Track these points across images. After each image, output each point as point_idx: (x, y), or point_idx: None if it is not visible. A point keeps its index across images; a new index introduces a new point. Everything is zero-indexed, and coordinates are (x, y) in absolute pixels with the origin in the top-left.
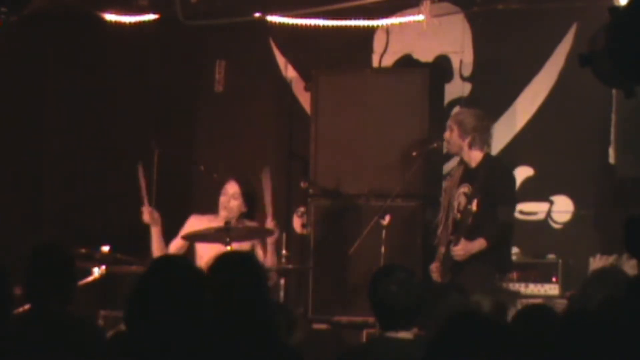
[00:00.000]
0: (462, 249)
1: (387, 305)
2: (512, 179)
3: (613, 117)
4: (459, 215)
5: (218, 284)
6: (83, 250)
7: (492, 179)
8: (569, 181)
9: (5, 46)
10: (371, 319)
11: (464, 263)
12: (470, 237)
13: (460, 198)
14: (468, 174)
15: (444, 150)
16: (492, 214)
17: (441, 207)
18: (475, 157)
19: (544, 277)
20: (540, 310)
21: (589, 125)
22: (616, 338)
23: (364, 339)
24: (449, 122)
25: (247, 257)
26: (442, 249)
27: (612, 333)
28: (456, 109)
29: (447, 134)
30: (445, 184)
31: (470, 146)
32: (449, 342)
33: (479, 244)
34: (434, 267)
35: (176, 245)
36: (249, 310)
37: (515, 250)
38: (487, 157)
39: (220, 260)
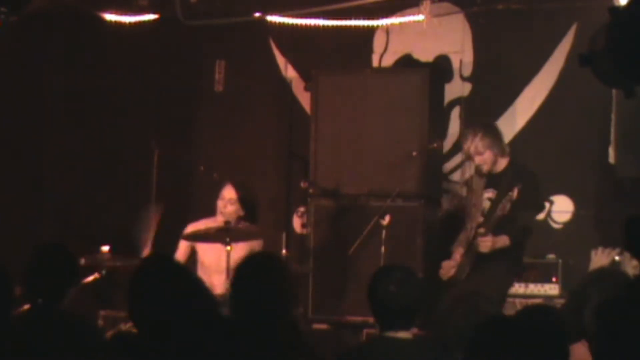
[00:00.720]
0: (490, 239)
1: (386, 305)
2: (538, 186)
3: (613, 117)
4: (481, 219)
5: (245, 286)
6: (83, 261)
7: (518, 185)
8: (569, 181)
9: (5, 46)
10: (371, 319)
11: (483, 262)
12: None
13: (485, 203)
14: (492, 179)
15: (443, 150)
16: (514, 216)
17: (467, 213)
18: (501, 163)
19: (544, 277)
20: (541, 310)
21: (589, 125)
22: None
23: (364, 339)
24: (479, 148)
25: (275, 260)
26: (461, 249)
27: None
28: (474, 133)
29: (479, 159)
30: (462, 190)
31: (501, 156)
32: (483, 348)
33: (503, 240)
34: (448, 265)
35: (178, 254)
36: (275, 313)
37: None
38: (511, 163)
39: (248, 263)
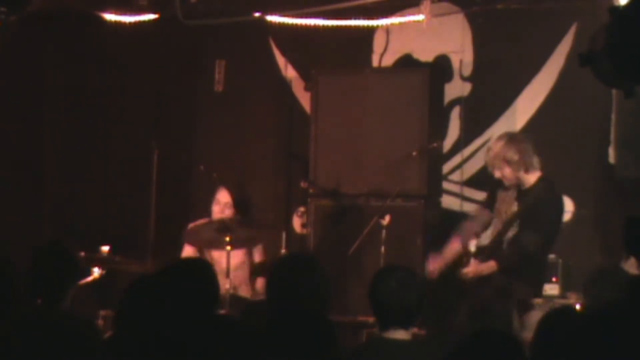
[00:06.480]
0: (472, 270)
1: (387, 304)
2: (554, 213)
3: (613, 117)
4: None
5: (280, 286)
6: (82, 254)
7: (534, 205)
8: (569, 181)
9: (5, 46)
10: (371, 319)
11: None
12: (484, 259)
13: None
14: (520, 194)
15: (443, 150)
16: (516, 238)
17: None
18: (529, 179)
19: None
20: (565, 313)
21: (589, 125)
22: (619, 338)
23: (364, 339)
24: (496, 162)
25: (311, 260)
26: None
27: (615, 333)
28: (495, 143)
29: (498, 173)
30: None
31: (527, 172)
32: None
33: (489, 266)
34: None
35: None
36: (311, 313)
37: None
38: (540, 180)
39: (284, 263)
